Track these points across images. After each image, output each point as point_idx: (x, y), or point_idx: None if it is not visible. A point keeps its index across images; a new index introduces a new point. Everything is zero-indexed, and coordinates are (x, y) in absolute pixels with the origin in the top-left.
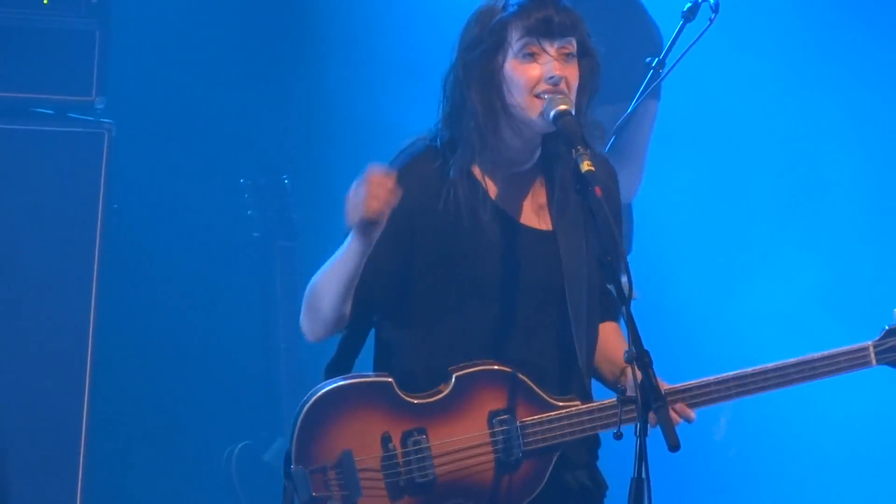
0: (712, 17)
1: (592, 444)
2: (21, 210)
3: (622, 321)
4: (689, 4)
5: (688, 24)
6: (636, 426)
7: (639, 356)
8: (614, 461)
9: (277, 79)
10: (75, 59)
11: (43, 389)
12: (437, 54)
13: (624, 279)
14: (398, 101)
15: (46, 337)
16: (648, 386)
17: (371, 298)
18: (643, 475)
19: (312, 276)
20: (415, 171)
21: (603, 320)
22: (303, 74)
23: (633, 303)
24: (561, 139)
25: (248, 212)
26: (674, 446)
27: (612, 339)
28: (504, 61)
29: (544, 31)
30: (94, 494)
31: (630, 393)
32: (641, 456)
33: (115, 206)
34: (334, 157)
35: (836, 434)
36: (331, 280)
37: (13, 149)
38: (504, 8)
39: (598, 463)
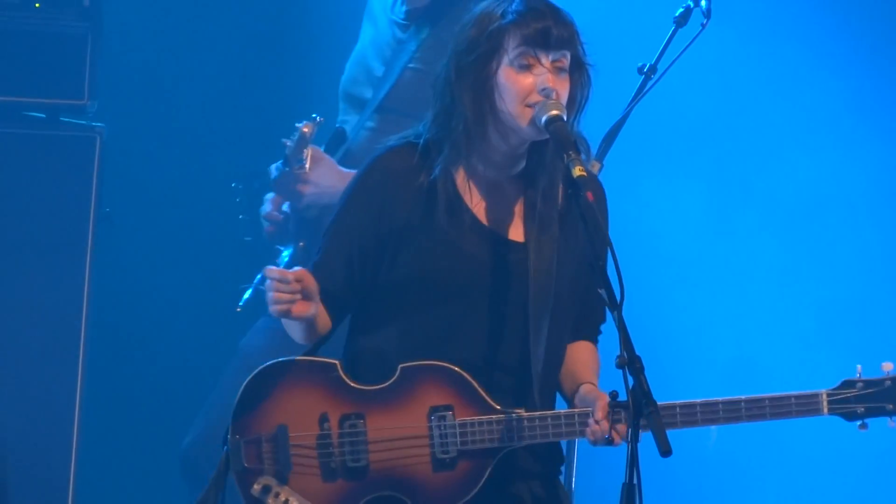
0: (704, 22)
1: (547, 455)
2: (12, 214)
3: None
4: (680, 10)
5: (679, 30)
6: (628, 432)
7: (630, 362)
8: (606, 465)
9: (269, 83)
10: (67, 63)
11: (35, 392)
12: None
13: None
14: None
15: (39, 340)
16: (640, 392)
17: (336, 290)
18: (634, 481)
19: None
20: (389, 162)
21: (577, 338)
22: (295, 78)
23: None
24: (552, 144)
25: (240, 216)
26: (665, 452)
27: (581, 357)
28: (498, 68)
29: (541, 42)
30: (86, 493)
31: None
32: (633, 462)
33: (107, 209)
34: None
35: (830, 441)
36: (290, 332)
37: (4, 152)
38: (503, 15)
39: (562, 477)
